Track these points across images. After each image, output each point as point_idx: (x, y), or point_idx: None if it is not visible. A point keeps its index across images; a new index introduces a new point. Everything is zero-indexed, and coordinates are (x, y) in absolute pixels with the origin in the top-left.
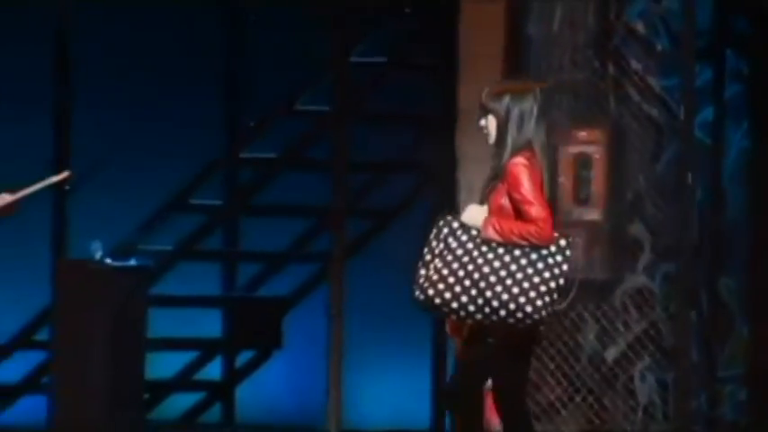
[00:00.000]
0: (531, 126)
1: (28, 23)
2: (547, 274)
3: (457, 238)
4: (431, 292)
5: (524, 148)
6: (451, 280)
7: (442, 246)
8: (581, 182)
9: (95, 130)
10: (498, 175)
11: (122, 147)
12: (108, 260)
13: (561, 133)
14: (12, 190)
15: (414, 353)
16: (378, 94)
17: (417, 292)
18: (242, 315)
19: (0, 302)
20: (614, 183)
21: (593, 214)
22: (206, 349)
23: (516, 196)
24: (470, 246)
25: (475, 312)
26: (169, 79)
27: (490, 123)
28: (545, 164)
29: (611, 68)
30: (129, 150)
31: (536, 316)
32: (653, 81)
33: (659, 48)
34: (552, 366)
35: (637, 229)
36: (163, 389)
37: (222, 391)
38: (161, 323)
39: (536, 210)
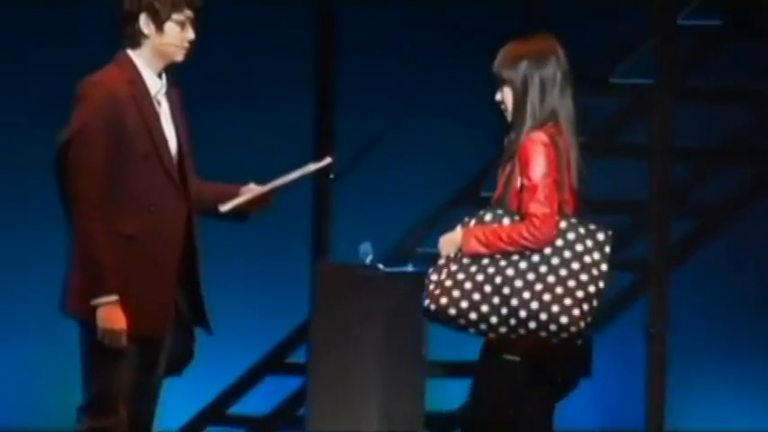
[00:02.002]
0: (554, 95)
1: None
2: (584, 277)
3: None
4: (443, 300)
5: (547, 121)
6: (468, 286)
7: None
8: None
9: (363, 111)
10: (513, 155)
11: (394, 132)
12: (380, 265)
13: None
14: (262, 182)
15: (754, 379)
16: (707, 65)
17: (427, 302)
18: None
19: (251, 314)
20: None
21: None
22: None
23: (522, 181)
24: None
25: (498, 325)
26: (443, 61)
27: (506, 96)
28: (573, 141)
29: None
30: (403, 135)
31: (573, 328)
32: None
33: None
34: None
35: None
36: (446, 422)
37: None
38: (443, 343)
39: (536, 203)
